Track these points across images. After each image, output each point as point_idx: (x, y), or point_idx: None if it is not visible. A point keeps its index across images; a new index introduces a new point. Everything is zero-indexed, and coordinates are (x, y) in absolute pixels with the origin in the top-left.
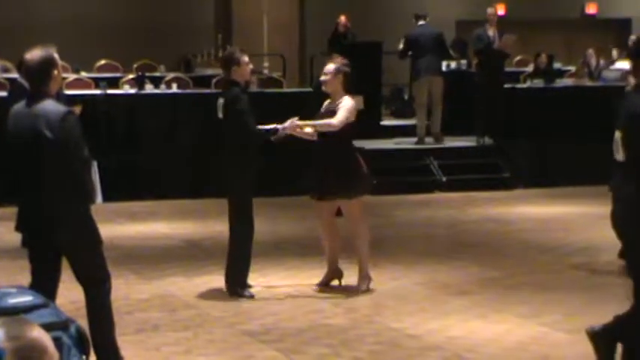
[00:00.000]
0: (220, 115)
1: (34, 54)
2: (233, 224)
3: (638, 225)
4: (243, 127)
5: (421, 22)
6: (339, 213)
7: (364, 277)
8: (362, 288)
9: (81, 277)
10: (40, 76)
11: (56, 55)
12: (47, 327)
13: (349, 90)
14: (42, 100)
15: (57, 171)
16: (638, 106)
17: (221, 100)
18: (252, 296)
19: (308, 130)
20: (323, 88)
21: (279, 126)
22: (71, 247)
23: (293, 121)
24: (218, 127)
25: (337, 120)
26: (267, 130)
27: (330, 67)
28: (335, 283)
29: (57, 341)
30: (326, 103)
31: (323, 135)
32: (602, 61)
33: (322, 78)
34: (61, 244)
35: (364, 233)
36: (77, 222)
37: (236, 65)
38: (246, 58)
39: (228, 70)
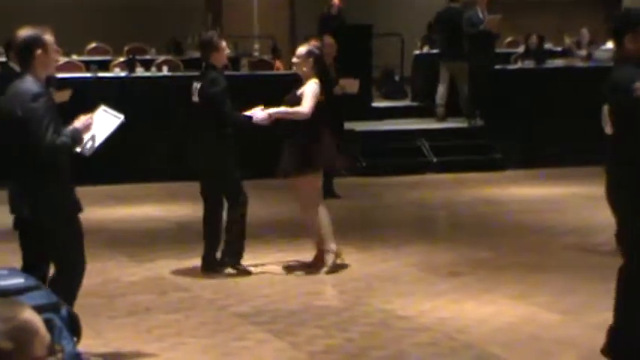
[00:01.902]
0: (195, 98)
1: (19, 33)
2: (219, 208)
3: (625, 198)
4: (219, 110)
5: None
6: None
7: (327, 254)
8: (328, 266)
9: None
10: (22, 55)
11: (47, 37)
12: (38, 309)
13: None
14: (22, 79)
15: (25, 150)
16: (620, 78)
17: (197, 84)
18: (249, 272)
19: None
20: (293, 69)
21: (253, 117)
22: (36, 226)
23: (262, 112)
24: (193, 111)
25: (306, 108)
26: (247, 117)
27: (302, 50)
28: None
29: (48, 323)
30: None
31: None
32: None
33: (293, 60)
34: (28, 222)
35: (314, 214)
36: (42, 201)
37: (215, 51)
38: (223, 43)
39: (206, 55)
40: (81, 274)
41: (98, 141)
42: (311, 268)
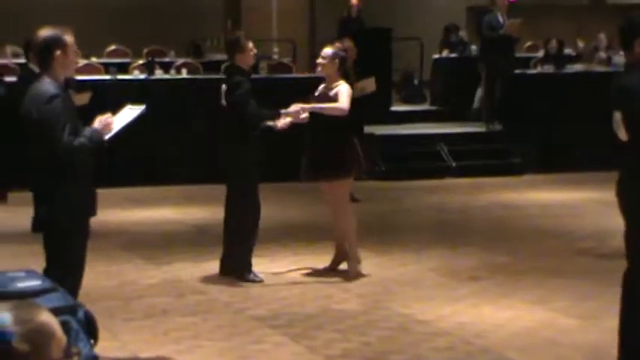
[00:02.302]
0: (223, 101)
1: (39, 33)
2: (236, 210)
3: (635, 205)
4: (242, 112)
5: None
6: (352, 199)
7: (351, 260)
8: (351, 273)
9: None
10: (41, 55)
11: (67, 38)
12: (55, 311)
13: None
14: (40, 81)
15: (42, 151)
16: (631, 84)
17: (224, 87)
18: (261, 280)
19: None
20: (318, 70)
21: (282, 111)
22: (52, 226)
23: (298, 106)
24: (221, 114)
25: (346, 104)
26: (273, 114)
27: (328, 51)
28: (343, 266)
29: (65, 325)
30: (321, 87)
31: (314, 119)
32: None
33: (319, 61)
34: (46, 222)
35: (347, 218)
36: (59, 201)
37: (239, 52)
38: (250, 45)
39: (232, 56)
40: (79, 277)
41: (117, 128)
42: (329, 271)
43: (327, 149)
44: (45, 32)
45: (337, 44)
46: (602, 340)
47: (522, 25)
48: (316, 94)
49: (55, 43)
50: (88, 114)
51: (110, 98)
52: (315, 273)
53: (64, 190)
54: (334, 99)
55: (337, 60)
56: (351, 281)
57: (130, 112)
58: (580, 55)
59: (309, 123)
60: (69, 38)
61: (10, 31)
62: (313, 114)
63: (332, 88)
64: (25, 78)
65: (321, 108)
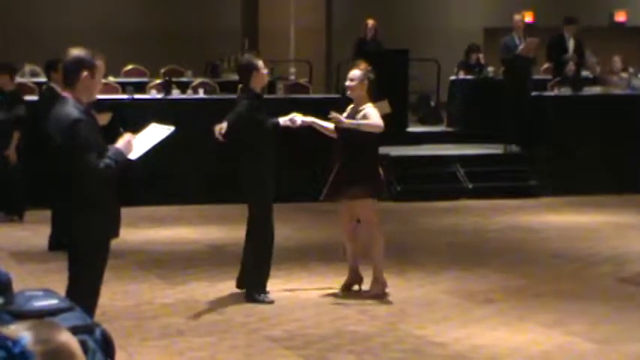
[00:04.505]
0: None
1: (71, 51)
2: (250, 230)
3: None
4: (238, 127)
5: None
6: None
7: (376, 281)
8: (371, 292)
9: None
10: (68, 74)
11: (97, 61)
12: (72, 330)
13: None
14: (63, 102)
15: (64, 172)
16: None
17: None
18: (271, 302)
19: (328, 125)
20: (348, 93)
21: (281, 120)
22: (72, 248)
23: (297, 117)
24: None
25: (380, 121)
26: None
27: (356, 73)
28: (355, 288)
29: (82, 345)
30: (349, 107)
31: (342, 138)
32: (631, 69)
33: (348, 84)
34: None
35: (377, 237)
36: (78, 224)
37: (255, 71)
38: (262, 63)
39: (247, 77)
40: (95, 299)
41: (146, 147)
42: (343, 291)
43: (358, 168)
44: (77, 51)
45: (363, 66)
46: None
47: (539, 44)
48: (344, 115)
49: (84, 63)
50: (105, 133)
51: (127, 117)
52: (331, 293)
53: (88, 212)
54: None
55: (366, 82)
56: (366, 299)
57: (155, 131)
58: (598, 78)
59: (338, 142)
60: (99, 62)
61: (29, 50)
62: (343, 134)
63: (360, 111)
64: (47, 97)
65: (358, 124)
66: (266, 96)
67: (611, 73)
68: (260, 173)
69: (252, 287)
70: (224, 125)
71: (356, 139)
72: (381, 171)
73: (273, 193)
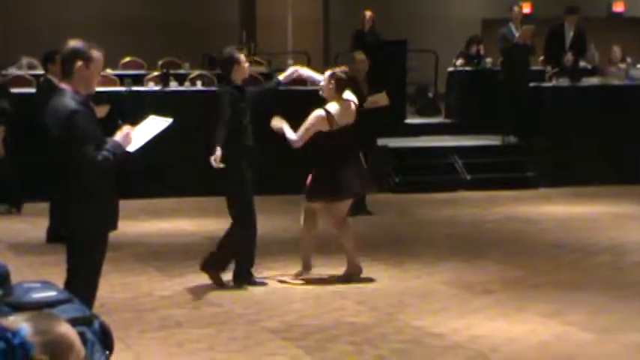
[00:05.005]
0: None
1: (68, 43)
2: (232, 223)
3: None
4: (218, 122)
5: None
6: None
7: (349, 264)
8: (344, 273)
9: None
10: (64, 65)
11: (92, 52)
12: (71, 322)
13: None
14: (61, 93)
15: (62, 165)
16: None
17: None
18: (262, 283)
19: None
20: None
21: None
22: (69, 240)
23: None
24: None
25: (297, 138)
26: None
27: (326, 74)
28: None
29: (81, 336)
30: None
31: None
32: (628, 59)
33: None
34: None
35: (343, 232)
36: (76, 216)
37: (236, 64)
38: (243, 57)
39: (229, 70)
40: (93, 291)
41: (144, 140)
42: (341, 281)
43: (315, 172)
44: (73, 42)
45: (361, 57)
46: (619, 354)
47: (534, 31)
48: None
49: (78, 53)
50: (104, 126)
51: (124, 110)
52: (329, 285)
53: (86, 204)
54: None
55: (333, 82)
56: (345, 283)
57: (153, 123)
58: (596, 68)
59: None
60: (95, 53)
61: (26, 43)
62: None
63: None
64: (45, 89)
65: (286, 132)
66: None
67: (609, 64)
68: (240, 166)
69: (242, 274)
70: (218, 154)
71: (312, 143)
72: (353, 172)
73: (252, 186)
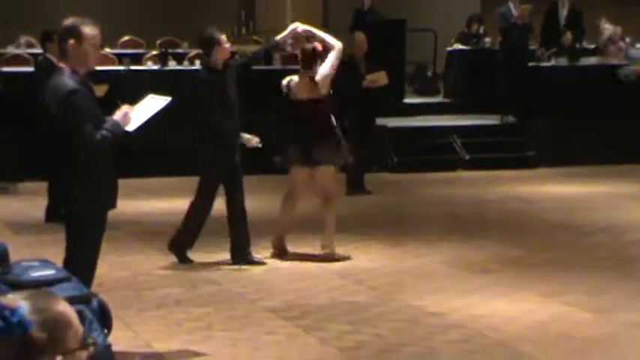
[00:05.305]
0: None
1: (63, 22)
2: (229, 203)
3: None
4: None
5: None
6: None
7: (329, 247)
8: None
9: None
10: (59, 44)
11: (84, 29)
12: (69, 300)
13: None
14: (60, 72)
15: (61, 144)
16: None
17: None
18: (191, 262)
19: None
20: None
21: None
22: (68, 219)
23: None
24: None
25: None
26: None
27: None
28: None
29: (79, 315)
30: None
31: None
32: (627, 39)
33: None
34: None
35: (334, 206)
36: (75, 195)
37: (217, 45)
38: (224, 38)
39: (209, 50)
40: (92, 270)
41: (143, 119)
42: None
43: (322, 140)
44: (66, 21)
45: (360, 36)
46: (617, 333)
47: (532, 10)
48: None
49: (70, 32)
50: (102, 105)
51: (123, 89)
52: (329, 265)
53: (85, 183)
54: None
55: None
56: (375, 274)
57: (152, 102)
58: (596, 48)
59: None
60: (88, 30)
61: (24, 22)
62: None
63: None
64: (43, 68)
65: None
66: (262, 67)
67: (610, 43)
68: (216, 151)
69: (183, 246)
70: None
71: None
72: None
73: (227, 168)
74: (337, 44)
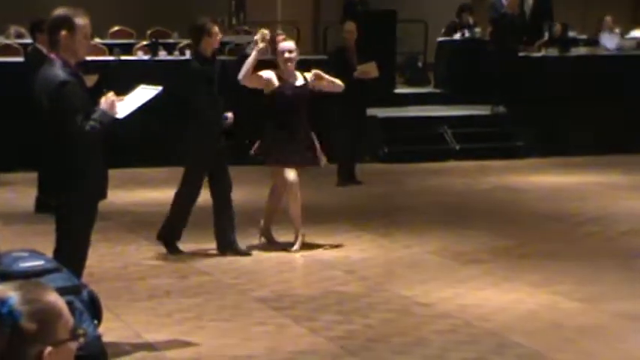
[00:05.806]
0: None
1: (52, 13)
2: (215, 192)
3: None
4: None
5: None
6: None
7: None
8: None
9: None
10: (50, 35)
11: (76, 19)
12: (59, 291)
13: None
14: (50, 63)
15: (51, 135)
16: None
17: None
18: (181, 252)
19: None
20: (289, 65)
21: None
22: (59, 210)
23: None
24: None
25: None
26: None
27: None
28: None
29: (69, 305)
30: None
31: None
32: (617, 29)
33: (292, 55)
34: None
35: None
36: (68, 185)
37: (207, 35)
38: (216, 28)
39: (198, 40)
40: (82, 261)
41: (133, 107)
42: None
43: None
44: (56, 11)
45: (350, 27)
46: (606, 322)
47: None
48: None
49: (61, 22)
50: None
51: (113, 79)
52: (319, 255)
53: (75, 173)
54: None
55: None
56: (366, 264)
57: (143, 92)
58: (587, 39)
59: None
60: (79, 20)
61: (14, 11)
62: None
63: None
64: (33, 59)
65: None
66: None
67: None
68: (201, 139)
69: (170, 238)
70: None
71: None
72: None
73: (211, 156)
74: (340, 84)
